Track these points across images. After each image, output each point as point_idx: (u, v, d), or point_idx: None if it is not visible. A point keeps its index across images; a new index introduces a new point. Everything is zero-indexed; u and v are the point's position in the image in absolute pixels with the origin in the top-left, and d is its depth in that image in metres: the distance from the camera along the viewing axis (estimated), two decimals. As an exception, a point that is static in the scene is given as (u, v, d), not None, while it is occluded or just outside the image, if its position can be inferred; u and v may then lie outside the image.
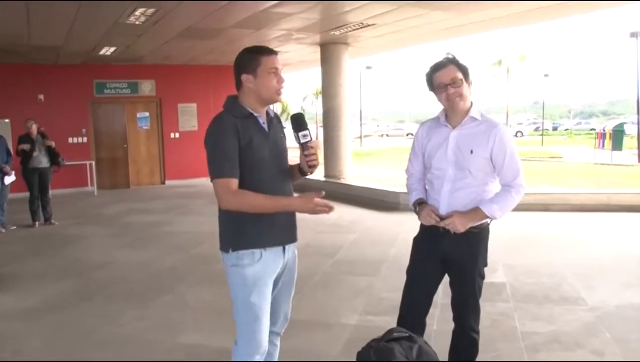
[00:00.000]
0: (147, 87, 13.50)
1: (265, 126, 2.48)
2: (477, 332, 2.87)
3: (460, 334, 2.87)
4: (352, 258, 6.16)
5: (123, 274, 5.83)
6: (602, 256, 5.92)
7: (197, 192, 11.98)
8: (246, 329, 2.47)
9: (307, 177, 2.62)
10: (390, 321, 4.21)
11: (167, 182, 13.73)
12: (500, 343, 3.75)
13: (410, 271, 2.92)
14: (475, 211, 2.70)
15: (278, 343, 2.74)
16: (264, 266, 2.44)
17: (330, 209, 2.30)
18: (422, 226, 2.88)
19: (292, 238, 2.60)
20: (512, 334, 3.92)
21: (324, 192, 2.32)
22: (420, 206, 2.85)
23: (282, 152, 2.57)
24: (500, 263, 5.63)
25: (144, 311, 4.62)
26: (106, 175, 13.21)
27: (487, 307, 4.31)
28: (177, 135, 13.88)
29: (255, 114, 2.45)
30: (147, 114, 13.67)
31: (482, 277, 2.82)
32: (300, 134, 2.46)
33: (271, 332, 2.61)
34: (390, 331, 2.36)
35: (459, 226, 2.67)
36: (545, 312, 4.33)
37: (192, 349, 3.83)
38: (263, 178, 2.41)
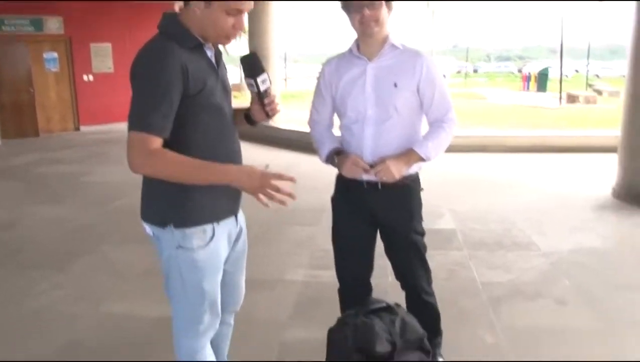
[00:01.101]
0: (54, 25, 12.13)
1: (213, 61, 1.92)
2: (432, 294, 2.53)
3: (415, 302, 2.48)
4: (290, 207, 5.71)
5: (35, 234, 5.15)
6: (547, 198, 5.86)
7: (116, 138, 11.00)
8: (193, 315, 2.03)
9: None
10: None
11: (82, 128, 12.64)
12: (461, 297, 3.53)
13: (337, 239, 2.52)
14: (408, 153, 2.28)
15: (232, 321, 2.35)
16: (217, 244, 1.97)
17: (291, 197, 1.81)
18: (339, 183, 2.45)
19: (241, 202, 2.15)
20: (472, 286, 3.71)
21: (293, 180, 1.81)
22: (339, 156, 2.36)
23: (230, 97, 2.03)
24: (445, 208, 5.44)
25: (62, 277, 4.03)
26: (11, 122, 11.91)
27: (440, 257, 4.10)
28: (90, 77, 12.72)
29: (205, 45, 1.88)
30: (55, 54, 12.35)
31: (422, 234, 2.44)
32: (258, 79, 1.94)
33: (228, 313, 2.24)
34: (367, 302, 2.00)
35: (394, 171, 2.22)
36: (500, 260, 4.15)
37: (123, 320, 3.34)
38: (215, 135, 1.89)
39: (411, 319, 2.01)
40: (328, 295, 3.62)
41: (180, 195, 1.86)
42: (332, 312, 3.39)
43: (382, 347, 1.86)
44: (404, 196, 2.36)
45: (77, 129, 12.69)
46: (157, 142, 1.74)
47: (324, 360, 2.57)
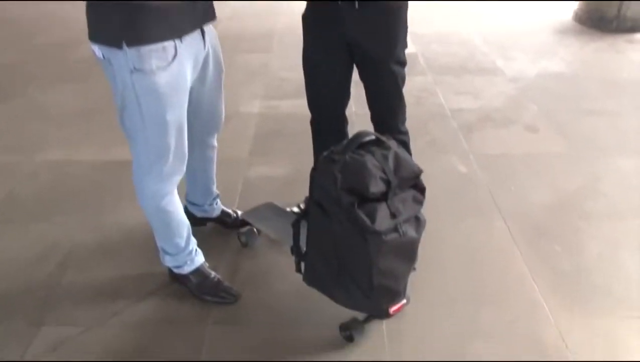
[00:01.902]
0: None
1: None
2: (406, 133, 2.26)
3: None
4: (235, 33, 5.20)
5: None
6: (508, 23, 5.53)
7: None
8: (156, 152, 1.75)
9: None
10: (299, 104, 3.62)
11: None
12: (431, 125, 3.35)
13: (308, 67, 2.15)
14: None
15: (216, 143, 2.18)
16: (181, 66, 1.65)
17: None
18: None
19: (212, 13, 1.76)
20: (440, 112, 3.53)
21: None
22: None
23: None
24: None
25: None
26: None
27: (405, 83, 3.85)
28: None
29: None
30: None
31: (404, 64, 2.10)
32: None
33: (211, 135, 2.11)
34: (355, 137, 1.73)
35: None
36: (466, 85, 3.95)
37: (63, 168, 2.99)
38: None
39: (404, 154, 1.78)
40: (289, 126, 3.39)
41: (135, 7, 1.49)
42: (293, 144, 3.19)
43: (377, 187, 1.65)
44: (387, 17, 1.98)
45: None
46: None
47: (303, 200, 2.42)
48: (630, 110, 3.56)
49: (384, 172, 1.68)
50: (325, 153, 1.75)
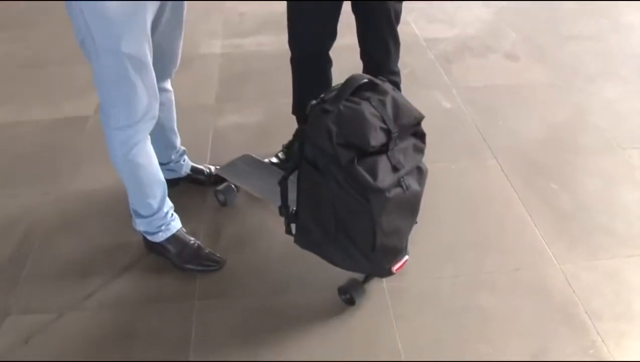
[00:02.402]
0: None
1: None
2: (398, 73, 2.10)
3: None
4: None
5: None
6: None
7: None
8: (119, 90, 1.54)
9: None
10: (264, 41, 3.37)
11: None
12: (408, 57, 3.11)
13: None
14: None
15: (170, 86, 1.93)
16: None
17: None
18: None
19: None
20: (416, 43, 3.32)
21: None
22: None
23: None
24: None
25: None
26: None
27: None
28: None
29: None
30: None
31: None
32: None
33: (165, 80, 1.86)
34: (348, 82, 1.51)
35: None
36: (438, 12, 3.71)
37: (9, 129, 2.68)
38: None
39: (402, 98, 1.59)
40: (255, 66, 3.12)
41: None
42: (263, 86, 2.94)
43: (377, 139, 1.46)
44: None
45: None
46: None
47: (281, 150, 2.22)
48: (609, 33, 3.42)
49: (383, 121, 1.49)
50: (314, 102, 1.55)
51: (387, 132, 1.50)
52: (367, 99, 1.52)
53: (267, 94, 2.83)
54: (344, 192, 1.50)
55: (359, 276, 1.75)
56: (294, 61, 2.09)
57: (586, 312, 1.68)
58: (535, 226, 2.00)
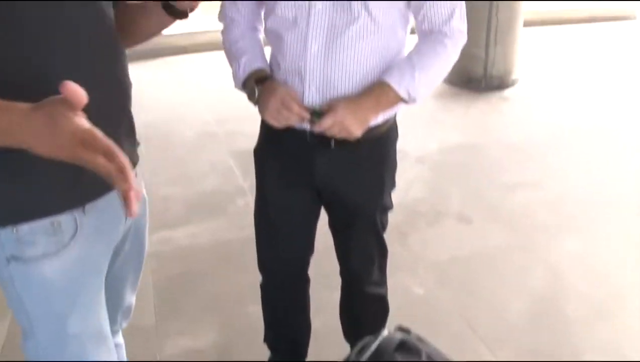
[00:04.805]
0: None
1: None
2: (383, 284, 1.79)
3: (357, 295, 1.77)
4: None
5: None
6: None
7: None
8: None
9: None
10: (198, 232, 3.04)
11: None
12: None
13: (263, 216, 1.65)
14: (379, 90, 1.37)
15: (121, 340, 1.49)
16: (84, 247, 1.08)
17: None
18: (266, 129, 1.54)
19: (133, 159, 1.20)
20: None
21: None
22: (263, 85, 1.43)
23: None
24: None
25: None
26: None
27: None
28: None
29: None
30: None
31: (389, 208, 1.65)
32: None
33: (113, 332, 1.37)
34: (380, 351, 1.21)
35: (353, 125, 1.33)
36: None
37: None
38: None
39: (434, 350, 1.30)
40: (194, 266, 2.74)
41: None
42: (208, 294, 2.53)
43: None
44: (372, 159, 1.53)
45: None
46: None
47: None
48: (545, 178, 3.44)
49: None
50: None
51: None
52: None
53: (217, 303, 2.46)
54: None
55: None
56: (265, 287, 1.81)
57: None
58: None
